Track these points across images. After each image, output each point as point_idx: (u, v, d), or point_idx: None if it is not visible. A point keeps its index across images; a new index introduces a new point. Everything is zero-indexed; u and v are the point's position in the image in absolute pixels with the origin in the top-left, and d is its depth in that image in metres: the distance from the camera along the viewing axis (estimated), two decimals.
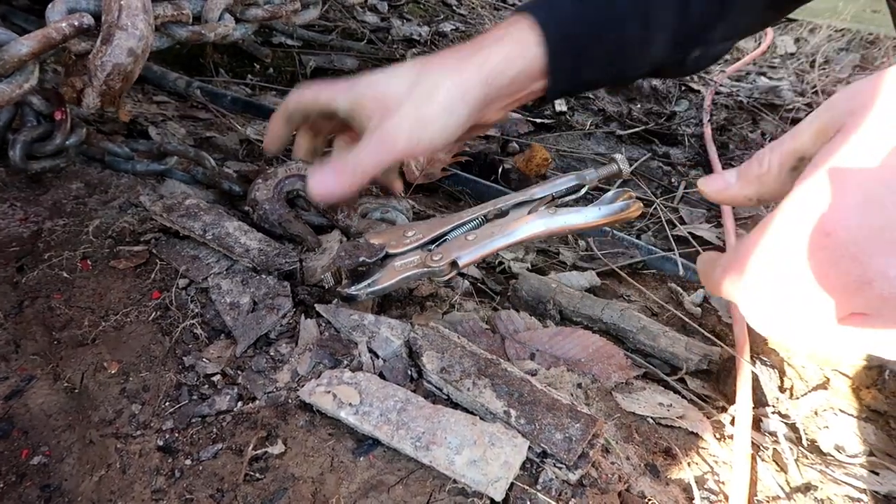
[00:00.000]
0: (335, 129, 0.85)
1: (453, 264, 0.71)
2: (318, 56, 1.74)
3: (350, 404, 0.62)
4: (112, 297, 0.73)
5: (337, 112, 0.78)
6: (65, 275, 0.75)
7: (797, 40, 2.54)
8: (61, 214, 0.83)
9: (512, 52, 0.76)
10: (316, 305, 0.74)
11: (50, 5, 0.63)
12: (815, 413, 0.83)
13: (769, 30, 2.45)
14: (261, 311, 0.71)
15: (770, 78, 2.18)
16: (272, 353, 0.69)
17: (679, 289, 1.01)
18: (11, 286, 0.73)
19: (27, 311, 0.71)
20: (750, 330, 0.88)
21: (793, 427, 0.79)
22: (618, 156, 0.82)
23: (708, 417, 0.77)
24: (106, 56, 0.62)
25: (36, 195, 0.86)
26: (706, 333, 0.91)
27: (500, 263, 0.98)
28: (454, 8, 2.40)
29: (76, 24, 0.61)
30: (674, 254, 1.06)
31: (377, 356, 0.69)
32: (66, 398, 0.64)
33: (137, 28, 0.62)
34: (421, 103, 0.73)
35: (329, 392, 0.63)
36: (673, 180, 1.43)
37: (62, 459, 0.59)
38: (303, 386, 0.65)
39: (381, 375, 0.67)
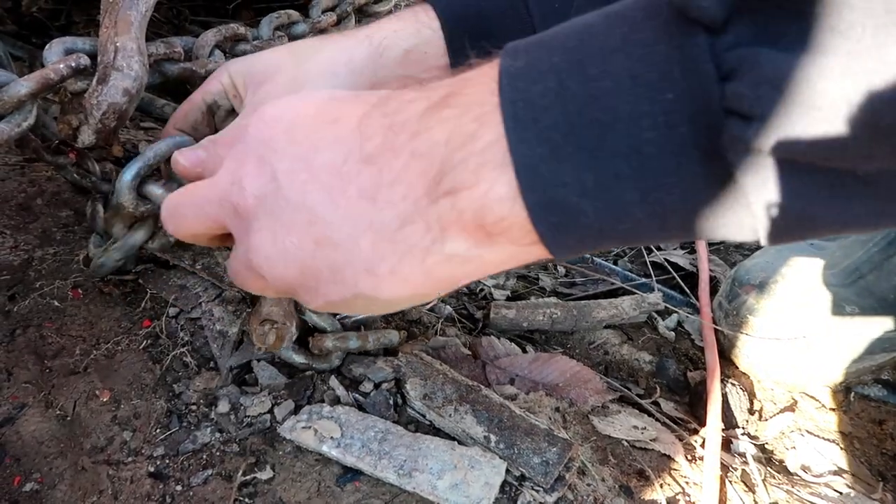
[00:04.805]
0: None
1: None
2: None
3: (332, 438, 0.64)
4: (103, 325, 0.75)
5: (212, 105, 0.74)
6: (56, 303, 0.76)
7: None
8: (51, 243, 0.85)
9: (405, 28, 0.70)
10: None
11: (48, 46, 0.65)
12: (783, 434, 0.86)
13: None
14: (248, 343, 0.74)
15: None
16: (259, 382, 0.71)
17: (654, 313, 1.04)
18: (3, 315, 0.74)
19: (19, 339, 0.72)
20: (721, 354, 0.92)
21: (761, 448, 0.83)
22: None
23: (680, 440, 0.80)
24: (102, 95, 0.64)
25: (25, 223, 0.88)
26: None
27: (482, 290, 1.01)
28: None
29: (73, 64, 0.63)
30: (651, 280, 1.10)
31: (362, 383, 0.71)
32: (58, 426, 0.65)
33: (133, 69, 0.65)
34: (301, 62, 0.66)
35: (310, 427, 0.65)
36: None
37: (54, 486, 0.61)
38: (284, 422, 0.67)
39: (362, 408, 0.69)
